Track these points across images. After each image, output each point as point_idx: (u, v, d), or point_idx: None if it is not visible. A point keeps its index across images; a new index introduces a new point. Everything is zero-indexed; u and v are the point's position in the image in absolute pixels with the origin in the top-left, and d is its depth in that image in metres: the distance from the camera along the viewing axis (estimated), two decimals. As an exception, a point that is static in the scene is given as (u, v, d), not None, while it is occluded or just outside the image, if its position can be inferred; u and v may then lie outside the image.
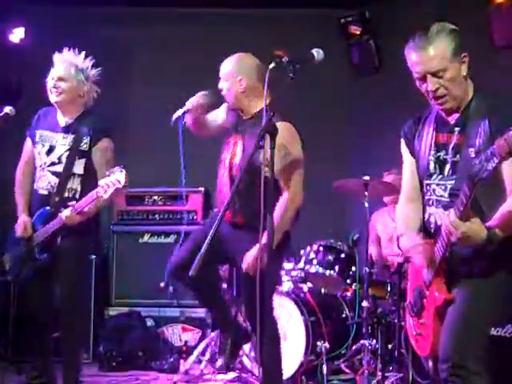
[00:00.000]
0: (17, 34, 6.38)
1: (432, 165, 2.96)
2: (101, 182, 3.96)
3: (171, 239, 6.17)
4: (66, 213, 4.02)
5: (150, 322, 5.95)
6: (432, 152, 2.96)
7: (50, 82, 4.26)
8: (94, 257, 5.91)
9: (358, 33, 6.61)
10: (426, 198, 3.01)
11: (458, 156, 2.86)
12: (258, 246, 3.64)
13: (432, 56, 2.79)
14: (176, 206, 6.20)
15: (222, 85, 4.03)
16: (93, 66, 4.35)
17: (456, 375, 2.74)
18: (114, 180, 3.94)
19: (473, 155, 2.70)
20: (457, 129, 2.89)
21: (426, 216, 3.02)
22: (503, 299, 2.88)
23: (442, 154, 2.93)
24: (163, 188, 6.25)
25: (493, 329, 3.62)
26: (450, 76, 2.81)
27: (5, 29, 6.36)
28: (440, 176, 2.94)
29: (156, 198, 6.26)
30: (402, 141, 3.15)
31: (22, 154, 4.43)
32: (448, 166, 2.90)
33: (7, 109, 4.27)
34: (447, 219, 2.68)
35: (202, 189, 6.16)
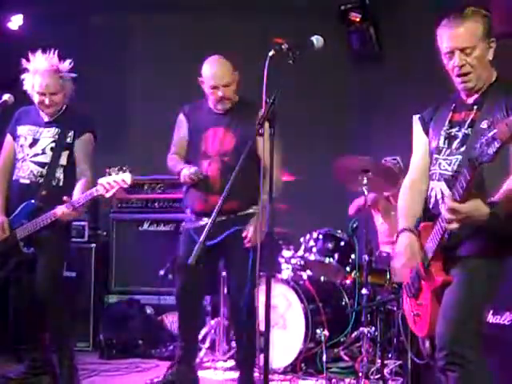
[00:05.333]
0: (15, 22, 6.35)
1: (442, 140, 3.02)
2: (102, 181, 3.96)
3: (171, 227, 6.17)
4: (62, 209, 4.01)
5: (149, 310, 5.96)
6: (445, 128, 3.02)
7: (38, 95, 4.25)
8: (93, 245, 5.93)
9: (358, 20, 6.57)
10: (431, 172, 3.05)
11: (470, 129, 2.91)
12: (255, 218, 4.09)
13: (463, 32, 2.90)
14: (175, 193, 6.20)
15: (226, 84, 4.27)
16: (62, 59, 4.35)
17: (453, 363, 2.75)
18: (119, 180, 3.94)
19: (485, 126, 2.74)
20: (475, 107, 2.95)
21: (428, 190, 3.06)
22: (500, 281, 2.89)
23: (454, 130, 2.99)
24: (163, 176, 6.24)
25: (491, 316, 3.65)
26: (477, 55, 2.91)
27: (3, 16, 6.33)
28: (448, 151, 2.98)
29: (155, 185, 6.25)
30: (418, 123, 3.22)
31: (2, 151, 4.44)
32: (457, 141, 2.95)
33: (6, 96, 4.31)
34: (445, 205, 2.70)
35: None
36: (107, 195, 3.99)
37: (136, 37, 6.99)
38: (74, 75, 4.40)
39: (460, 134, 2.94)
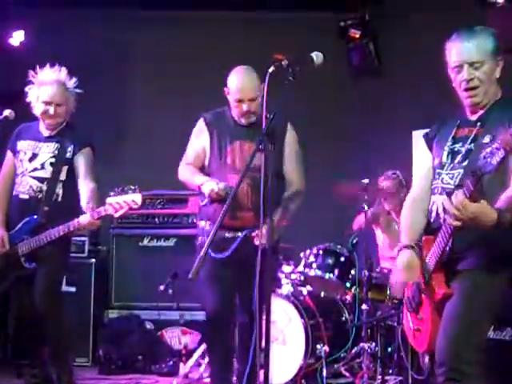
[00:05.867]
0: (16, 38, 6.38)
1: (445, 155, 3.02)
2: (111, 200, 3.94)
3: (171, 242, 6.17)
4: (87, 218, 4.01)
5: (149, 325, 5.95)
6: (448, 143, 3.02)
7: (42, 105, 4.27)
8: (93, 260, 5.93)
9: (358, 36, 6.62)
10: (433, 186, 3.06)
11: (472, 144, 2.92)
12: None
13: (473, 47, 2.92)
14: (175, 209, 6.20)
15: (252, 98, 4.03)
16: (69, 76, 4.39)
17: (452, 379, 2.74)
18: (129, 200, 3.93)
19: (487, 140, 2.76)
20: (478, 124, 2.97)
21: (429, 205, 3.06)
22: (501, 296, 2.88)
23: (457, 145, 3.00)
24: (163, 191, 6.25)
25: (492, 332, 3.64)
26: (486, 70, 2.92)
27: (5, 32, 6.36)
28: (451, 165, 2.98)
29: (156, 201, 6.25)
30: (423, 140, 3.23)
31: (2, 167, 4.46)
32: (460, 155, 2.96)
33: (7, 112, 4.33)
34: (454, 199, 2.67)
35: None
36: (116, 215, 3.98)
37: (136, 48, 7.01)
38: (79, 91, 4.41)
39: (463, 150, 2.95)
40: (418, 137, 5.52)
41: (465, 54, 2.92)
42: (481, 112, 2.99)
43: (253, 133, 3.96)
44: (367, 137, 6.65)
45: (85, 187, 4.22)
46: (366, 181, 5.02)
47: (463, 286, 2.86)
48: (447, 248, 2.86)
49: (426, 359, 3.02)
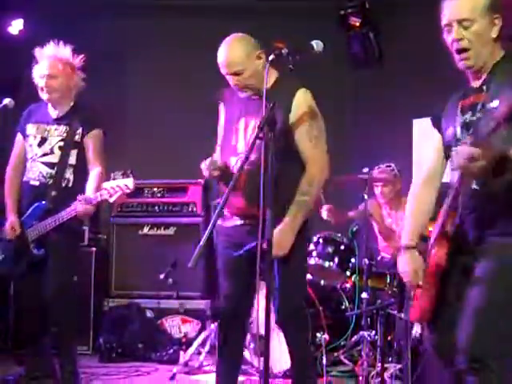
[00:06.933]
0: (15, 26, 6.36)
1: (459, 130, 2.84)
2: (106, 185, 3.95)
3: (171, 231, 6.17)
4: (79, 206, 4.01)
5: (149, 314, 5.96)
6: (457, 118, 2.85)
7: (39, 80, 4.24)
8: (93, 249, 5.93)
9: (358, 24, 6.60)
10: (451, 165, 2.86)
11: (481, 112, 2.73)
12: (279, 228, 3.38)
13: (462, 3, 2.76)
14: (175, 197, 6.20)
15: (236, 73, 3.51)
16: (74, 53, 4.33)
17: (474, 369, 2.63)
18: (122, 185, 3.93)
19: (496, 105, 2.56)
20: (484, 87, 2.79)
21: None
22: None
23: (467, 116, 2.82)
24: (162, 180, 6.25)
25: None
26: (477, 30, 2.74)
27: (3, 21, 6.34)
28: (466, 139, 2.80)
29: (155, 189, 6.25)
30: (430, 121, 3.07)
31: (13, 150, 4.43)
32: (473, 126, 2.77)
33: (6, 100, 4.29)
34: (463, 149, 2.52)
35: (202, 181, 6.16)
36: (111, 200, 3.98)
37: (136, 36, 6.99)
38: (80, 63, 4.33)
39: (474, 119, 2.77)
40: (418, 125, 5.52)
41: (454, 10, 2.76)
42: (483, 76, 2.81)
43: (259, 105, 3.39)
44: (367, 124, 6.65)
45: (91, 172, 4.20)
46: (365, 169, 5.02)
47: (489, 268, 2.70)
48: (457, 212, 2.72)
49: (418, 329, 2.97)
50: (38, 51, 4.29)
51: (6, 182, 4.38)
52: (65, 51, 4.30)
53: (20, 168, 4.35)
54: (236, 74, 3.52)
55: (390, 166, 5.53)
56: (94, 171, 4.21)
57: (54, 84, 4.22)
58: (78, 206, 4.01)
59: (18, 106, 4.36)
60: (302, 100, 3.57)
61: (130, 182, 3.94)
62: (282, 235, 3.40)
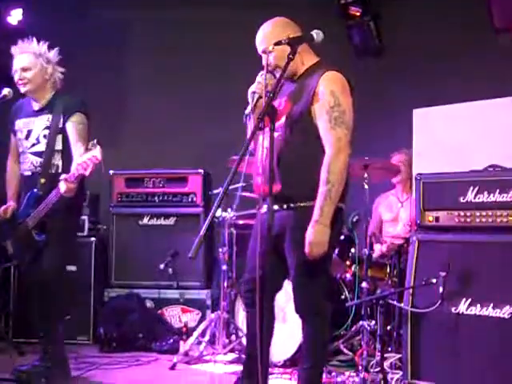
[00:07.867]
0: (15, 16, 6.34)
1: None
2: (78, 161, 3.97)
3: (171, 221, 6.17)
4: (62, 186, 4.03)
5: (149, 304, 5.97)
6: None
7: (15, 75, 4.35)
8: (93, 239, 5.94)
9: (358, 14, 6.58)
10: None
11: None
12: (311, 230, 3.30)
13: None
14: (175, 187, 6.20)
15: (263, 51, 3.44)
16: (49, 48, 4.40)
17: None
18: (90, 157, 3.94)
19: None
20: None
21: None
22: None
23: None
24: (163, 170, 6.25)
25: (492, 309, 3.64)
26: None
27: (3, 10, 6.32)
28: None
29: (155, 179, 6.25)
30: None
31: (11, 150, 4.58)
32: None
33: (6, 90, 4.38)
34: None
35: (202, 171, 6.15)
36: (87, 173, 3.97)
37: (136, 29, 6.98)
38: (55, 55, 4.39)
39: None
40: (419, 115, 5.50)
41: None
42: None
43: (299, 88, 3.47)
44: (367, 115, 6.62)
45: (75, 152, 4.20)
46: (366, 158, 5.00)
47: None
48: None
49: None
50: (13, 48, 4.39)
51: (7, 174, 4.58)
52: (38, 45, 4.38)
53: (18, 163, 4.50)
54: (264, 52, 3.42)
55: (407, 150, 5.70)
56: (79, 151, 4.19)
57: (28, 76, 4.32)
58: (61, 186, 4.04)
59: (17, 95, 4.41)
60: (325, 82, 3.40)
61: (97, 152, 3.93)
62: (316, 235, 3.29)
